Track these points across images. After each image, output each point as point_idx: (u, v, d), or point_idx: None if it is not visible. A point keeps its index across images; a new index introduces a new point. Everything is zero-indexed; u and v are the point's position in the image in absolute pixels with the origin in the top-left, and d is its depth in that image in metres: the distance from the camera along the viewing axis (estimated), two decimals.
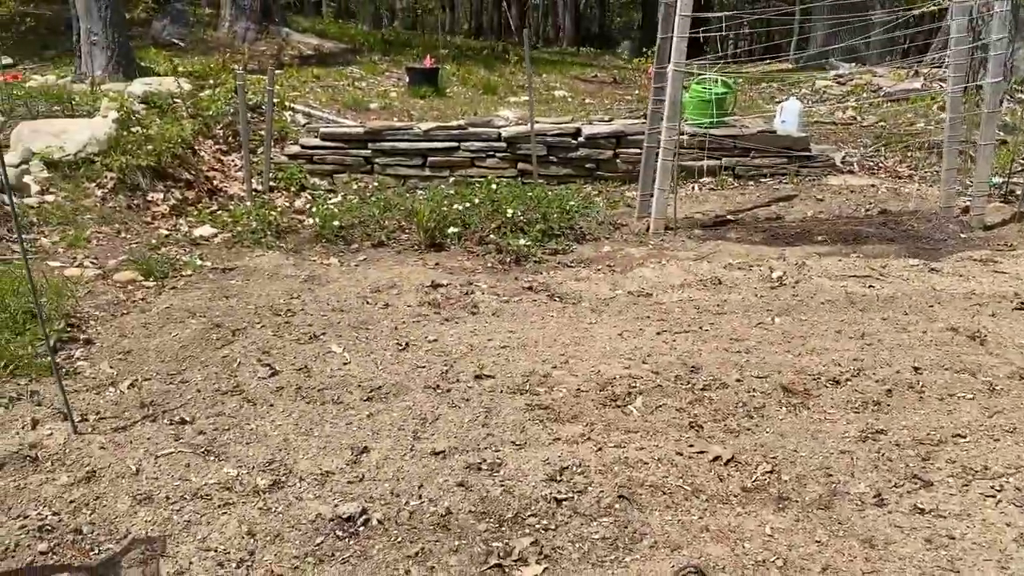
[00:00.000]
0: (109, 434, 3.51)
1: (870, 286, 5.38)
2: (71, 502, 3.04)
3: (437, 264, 5.84)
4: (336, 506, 3.03)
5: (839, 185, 8.19)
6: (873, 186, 8.09)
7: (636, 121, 8.82)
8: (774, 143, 8.52)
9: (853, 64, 14.29)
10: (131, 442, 3.45)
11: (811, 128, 9.95)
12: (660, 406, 3.79)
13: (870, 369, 4.14)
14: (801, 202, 7.71)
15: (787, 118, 8.80)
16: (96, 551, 2.78)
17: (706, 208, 7.69)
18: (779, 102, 10.16)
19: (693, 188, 8.37)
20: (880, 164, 8.94)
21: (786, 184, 8.30)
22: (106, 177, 6.70)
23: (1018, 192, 7.52)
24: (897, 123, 10.19)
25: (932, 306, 5.00)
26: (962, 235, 6.64)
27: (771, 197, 7.90)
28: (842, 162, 8.83)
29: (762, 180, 8.48)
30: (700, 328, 4.74)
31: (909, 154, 9.05)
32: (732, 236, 6.73)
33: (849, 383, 4.00)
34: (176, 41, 12.83)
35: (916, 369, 4.12)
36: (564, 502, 3.07)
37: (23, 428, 3.50)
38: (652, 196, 6.87)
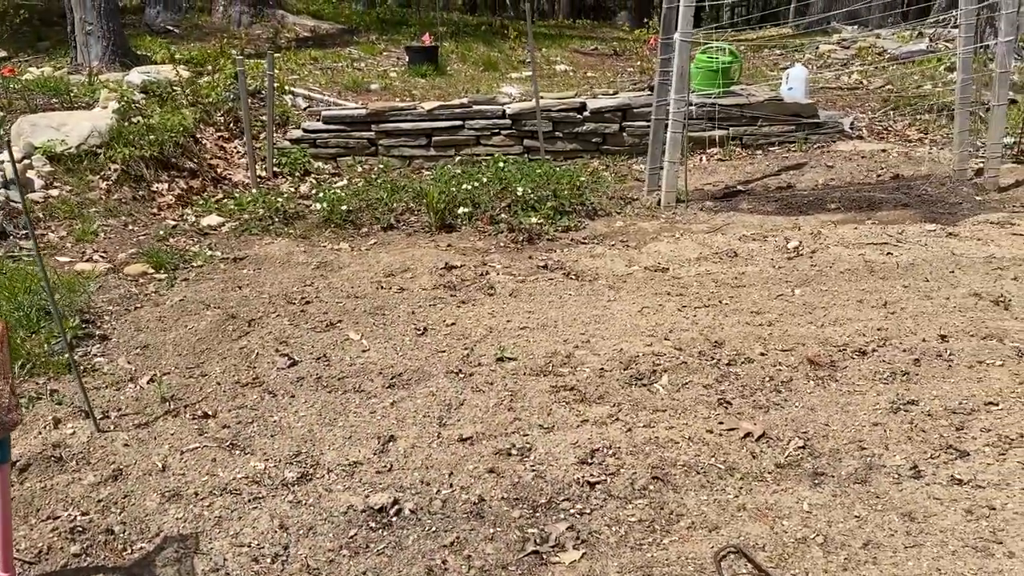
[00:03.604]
0: (132, 431, 3.47)
1: (888, 253, 5.32)
2: (99, 501, 3.01)
3: (449, 245, 5.78)
4: (367, 497, 3.00)
5: (849, 151, 8.10)
6: (884, 151, 8.00)
7: (641, 94, 8.71)
8: (782, 111, 8.43)
9: (856, 27, 14.13)
10: (155, 438, 3.41)
11: (817, 94, 9.83)
12: (686, 383, 3.75)
13: (896, 338, 4.09)
14: (811, 170, 7.63)
15: (793, 85, 8.70)
16: (129, 551, 2.75)
17: (715, 179, 7.61)
18: (783, 69, 10.05)
19: (701, 159, 8.28)
20: (889, 128, 8.86)
21: (795, 152, 8.22)
22: (110, 169, 6.61)
23: None
24: (904, 86, 10.08)
25: (953, 271, 4.95)
26: (977, 198, 6.57)
27: (781, 166, 7.82)
28: (851, 128, 8.73)
29: (770, 149, 8.40)
30: (720, 302, 4.69)
31: (918, 117, 8.96)
32: (744, 207, 6.66)
33: (876, 353, 3.95)
34: (170, 28, 12.65)
35: (942, 337, 4.07)
36: (597, 485, 3.04)
37: (45, 428, 3.46)
38: (661, 169, 6.79)
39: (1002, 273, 4.87)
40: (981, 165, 7.05)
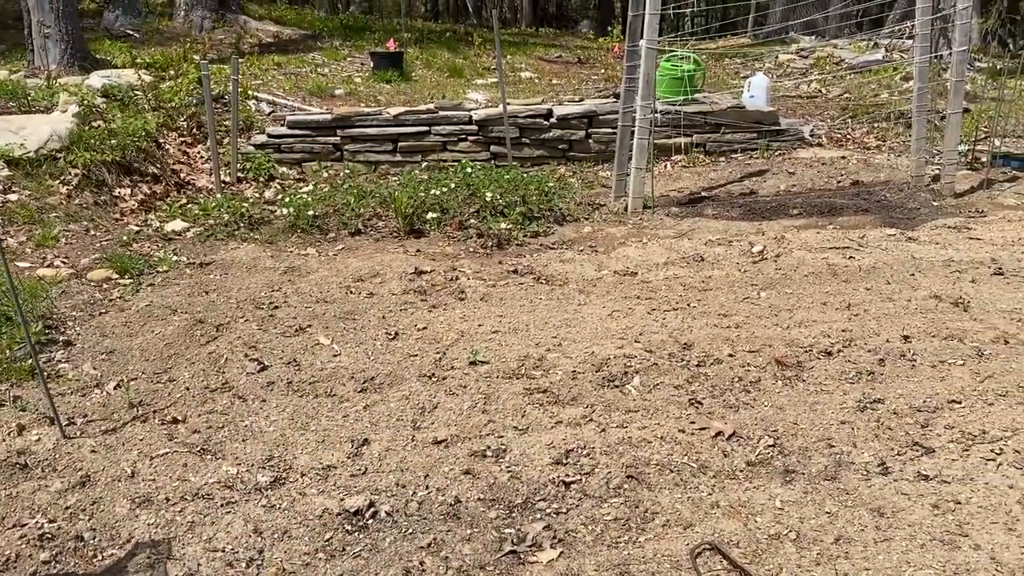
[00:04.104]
0: (99, 437, 3.41)
1: (851, 257, 5.42)
2: (67, 508, 2.95)
3: (418, 251, 5.77)
4: (342, 500, 2.98)
5: (809, 158, 8.25)
6: (843, 158, 8.16)
7: (606, 101, 8.78)
8: (744, 118, 8.55)
9: (813, 37, 14.41)
10: (123, 444, 3.36)
11: (777, 102, 10.01)
12: (657, 384, 3.79)
13: (860, 339, 4.18)
14: (773, 176, 7.76)
15: (755, 93, 8.84)
16: (99, 557, 2.70)
17: (680, 185, 7.70)
18: (745, 77, 10.22)
19: (665, 166, 8.38)
20: (848, 135, 9.04)
21: (757, 159, 8.35)
22: (70, 174, 6.50)
23: (983, 159, 7.65)
24: (862, 95, 10.30)
25: (913, 274, 5.06)
26: (934, 203, 6.73)
27: (743, 172, 7.94)
28: (811, 135, 8.90)
29: (733, 156, 8.52)
30: (688, 305, 4.74)
31: (876, 125, 9.15)
32: (709, 212, 6.75)
33: (841, 354, 4.03)
34: (130, 32, 12.47)
35: (905, 338, 4.16)
36: (572, 485, 3.05)
37: (9, 435, 3.38)
38: (628, 175, 6.86)
39: (960, 276, 5.00)
40: (937, 171, 7.22)
